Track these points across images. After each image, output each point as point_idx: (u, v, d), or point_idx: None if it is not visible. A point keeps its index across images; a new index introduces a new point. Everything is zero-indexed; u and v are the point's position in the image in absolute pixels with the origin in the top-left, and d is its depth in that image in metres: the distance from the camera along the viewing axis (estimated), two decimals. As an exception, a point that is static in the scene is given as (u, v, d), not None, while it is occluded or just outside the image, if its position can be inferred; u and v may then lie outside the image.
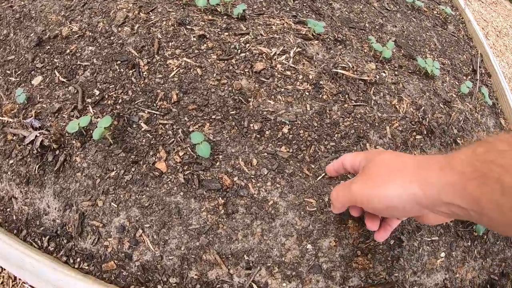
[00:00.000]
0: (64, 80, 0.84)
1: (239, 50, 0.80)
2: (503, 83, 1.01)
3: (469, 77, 1.00)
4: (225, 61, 0.78)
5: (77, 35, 0.90)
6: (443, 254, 0.71)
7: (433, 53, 1.01)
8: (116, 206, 0.67)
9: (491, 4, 1.66)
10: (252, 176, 0.66)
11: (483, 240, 0.77)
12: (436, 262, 0.71)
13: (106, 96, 0.79)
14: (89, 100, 0.79)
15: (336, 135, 0.73)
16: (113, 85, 0.80)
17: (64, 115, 0.79)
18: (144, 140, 0.72)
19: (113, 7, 0.92)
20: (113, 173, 0.70)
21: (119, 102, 0.77)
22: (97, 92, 0.80)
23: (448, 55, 1.03)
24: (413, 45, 0.98)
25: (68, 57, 0.88)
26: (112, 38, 0.87)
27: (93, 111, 0.78)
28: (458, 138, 0.84)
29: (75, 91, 0.82)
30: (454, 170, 0.36)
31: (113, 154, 0.71)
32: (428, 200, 0.39)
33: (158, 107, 0.75)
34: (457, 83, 0.96)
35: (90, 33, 0.90)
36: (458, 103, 0.89)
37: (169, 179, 0.67)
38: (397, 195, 0.41)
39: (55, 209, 0.71)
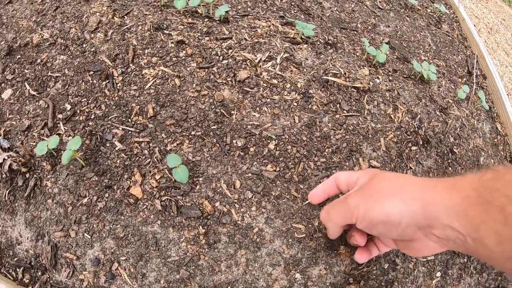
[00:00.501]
0: (35, 93, 0.73)
1: (221, 57, 0.68)
2: (498, 85, 0.90)
3: (464, 79, 0.89)
4: (206, 70, 0.67)
5: (48, 43, 0.77)
6: (438, 274, 0.63)
7: (428, 54, 0.88)
8: (89, 237, 0.58)
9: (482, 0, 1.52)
10: (235, 200, 0.56)
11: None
12: (432, 283, 0.62)
13: (78, 111, 0.68)
14: (60, 116, 0.68)
15: (327, 150, 0.63)
16: (85, 99, 0.69)
17: (34, 133, 0.69)
18: (118, 161, 0.62)
19: (86, 11, 0.79)
20: (85, 200, 0.60)
21: (91, 118, 0.67)
22: (69, 107, 0.69)
23: (442, 56, 0.91)
24: (407, 46, 0.86)
25: (39, 67, 0.76)
26: (84, 45, 0.74)
27: (64, 129, 0.67)
28: (455, 147, 0.74)
29: (46, 106, 0.71)
30: (458, 192, 0.34)
31: (85, 178, 0.61)
32: (426, 221, 0.36)
33: (133, 123, 0.65)
34: (453, 87, 0.85)
35: (62, 41, 0.77)
36: (454, 109, 0.78)
37: (145, 206, 0.57)
38: (397, 210, 0.38)
39: (27, 238, 0.62)
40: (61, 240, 0.60)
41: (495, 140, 0.87)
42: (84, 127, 0.66)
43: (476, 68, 0.92)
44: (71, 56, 0.74)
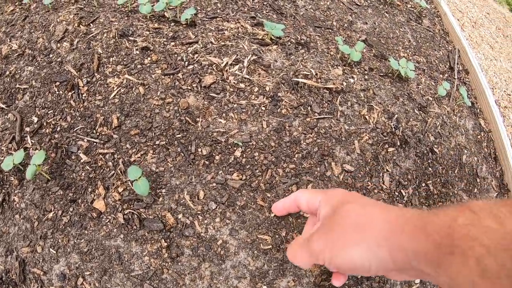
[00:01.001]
0: (4, 106, 0.71)
1: (187, 62, 0.65)
2: (481, 80, 0.85)
3: (446, 75, 0.84)
4: (171, 76, 0.64)
5: (17, 54, 0.76)
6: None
7: (407, 51, 0.84)
8: (55, 252, 0.56)
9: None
10: (198, 212, 0.54)
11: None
12: (412, 288, 0.60)
13: (45, 124, 0.66)
14: (27, 129, 0.67)
15: (296, 155, 0.60)
16: (51, 110, 0.67)
17: (2, 148, 0.67)
18: (83, 174, 0.60)
19: (54, 19, 0.77)
20: (50, 215, 0.58)
21: (57, 130, 0.65)
22: (36, 119, 0.67)
23: (423, 52, 0.86)
24: (385, 43, 0.82)
25: (8, 79, 0.74)
26: (51, 55, 0.72)
27: (31, 142, 0.65)
28: (435, 146, 0.70)
29: (14, 119, 0.69)
30: (429, 238, 0.30)
31: (50, 192, 0.60)
32: (396, 266, 0.33)
33: (98, 134, 0.62)
34: (433, 83, 0.80)
35: (30, 51, 0.75)
36: (434, 106, 0.74)
37: (108, 220, 0.55)
38: (364, 258, 0.34)
39: (-4, 254, 0.61)
40: (29, 255, 0.58)
41: (479, 137, 0.82)
42: (50, 140, 0.64)
43: (458, 63, 0.87)
44: (38, 67, 0.72)
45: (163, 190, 0.56)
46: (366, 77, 0.72)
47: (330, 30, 0.77)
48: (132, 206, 0.55)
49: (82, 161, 0.61)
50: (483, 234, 0.26)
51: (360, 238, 0.34)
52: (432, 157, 0.73)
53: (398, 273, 0.35)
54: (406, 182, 0.68)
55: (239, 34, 0.69)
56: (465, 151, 0.80)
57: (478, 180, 0.81)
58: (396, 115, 0.69)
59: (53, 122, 0.66)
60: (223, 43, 0.66)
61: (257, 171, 0.57)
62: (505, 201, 0.28)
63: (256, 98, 0.62)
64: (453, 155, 0.77)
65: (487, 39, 1.20)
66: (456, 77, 0.85)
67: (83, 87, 0.67)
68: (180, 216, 0.54)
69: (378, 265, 0.34)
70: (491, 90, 1.00)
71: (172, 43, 0.67)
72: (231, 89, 0.63)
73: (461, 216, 0.28)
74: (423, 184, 0.71)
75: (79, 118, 0.65)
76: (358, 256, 0.34)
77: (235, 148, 0.59)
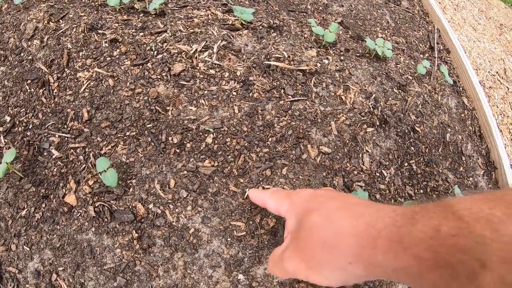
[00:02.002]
0: (-22, 107, 0.69)
1: (156, 52, 0.63)
2: (463, 59, 0.81)
3: (426, 54, 0.80)
4: (140, 67, 0.62)
5: (-10, 55, 0.74)
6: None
7: (386, 32, 0.80)
8: (29, 249, 0.54)
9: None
10: (169, 201, 0.51)
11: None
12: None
13: (17, 122, 0.64)
14: (0, 129, 0.65)
15: (270, 139, 0.57)
16: (24, 109, 0.65)
17: (-24, 148, 0.65)
18: (55, 170, 0.58)
19: (24, 18, 0.74)
20: (24, 212, 0.56)
21: (29, 127, 0.62)
22: (8, 119, 0.65)
23: (402, 33, 0.83)
24: (362, 25, 0.78)
25: (-18, 81, 0.72)
26: (22, 54, 0.70)
27: (4, 141, 0.63)
28: (417, 125, 0.67)
29: (-12, 119, 0.67)
30: (408, 252, 0.24)
31: (23, 190, 0.57)
32: (375, 277, 0.29)
33: (69, 128, 0.60)
34: (413, 63, 0.77)
35: (1, 51, 0.73)
36: (415, 85, 0.71)
37: (79, 213, 0.53)
38: (338, 277, 0.30)
39: (-29, 254, 0.59)
40: (4, 254, 0.56)
41: (462, 115, 0.79)
42: (23, 138, 0.62)
43: (438, 43, 0.84)
44: (10, 67, 0.70)
45: (134, 181, 0.53)
46: (341, 58, 0.69)
47: (304, 14, 0.74)
48: (102, 198, 0.53)
49: (54, 156, 0.59)
50: (475, 245, 0.21)
51: (329, 257, 0.30)
52: (414, 136, 0.70)
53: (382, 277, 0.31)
54: (387, 162, 0.65)
55: (209, 21, 0.66)
56: (449, 129, 0.76)
57: (463, 158, 0.78)
58: (374, 95, 0.66)
59: (25, 120, 0.64)
60: (192, 31, 0.64)
61: (229, 157, 0.55)
62: (496, 196, 0.22)
63: (226, 84, 0.59)
64: (436, 134, 0.74)
65: (470, 21, 1.16)
66: (436, 56, 0.81)
67: (53, 83, 0.65)
68: (151, 206, 0.51)
69: (356, 279, 0.30)
70: (475, 71, 0.97)
71: (141, 34, 0.65)
72: (201, 76, 0.60)
73: (444, 224, 0.23)
74: (406, 164, 0.68)
75: (51, 114, 0.62)
76: (331, 275, 0.31)
77: (206, 135, 0.56)
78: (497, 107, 1.01)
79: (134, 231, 0.50)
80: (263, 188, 0.53)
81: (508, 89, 1.05)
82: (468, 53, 1.00)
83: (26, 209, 0.56)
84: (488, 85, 1.05)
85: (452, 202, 0.23)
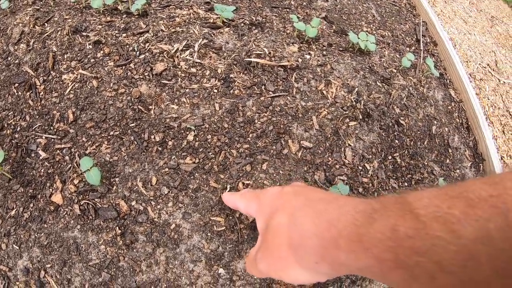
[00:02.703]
0: (-31, 111, 0.71)
1: (138, 52, 0.63)
2: (450, 51, 0.81)
3: (413, 48, 0.80)
4: (123, 67, 0.63)
5: (-20, 60, 0.75)
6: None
7: (371, 25, 0.80)
8: (18, 247, 0.55)
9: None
10: (151, 197, 0.52)
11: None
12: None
13: (6, 125, 0.65)
14: (-10, 132, 0.66)
15: (250, 135, 0.57)
16: (12, 112, 0.66)
17: (-32, 151, 0.67)
18: (42, 170, 0.59)
19: (11, 23, 0.76)
20: (13, 212, 0.58)
21: (17, 130, 0.64)
22: (-2, 122, 0.67)
23: (388, 26, 0.82)
24: (347, 19, 0.78)
25: (-27, 85, 0.74)
26: (9, 58, 0.71)
27: (-6, 143, 0.65)
28: (401, 118, 0.67)
29: (-21, 123, 0.69)
30: (368, 253, 0.24)
31: (12, 191, 0.59)
32: (343, 274, 0.31)
33: (55, 130, 0.61)
34: (398, 56, 0.76)
35: (-9, 56, 0.75)
36: (399, 78, 0.71)
37: (65, 212, 0.54)
38: (308, 276, 0.31)
39: (-36, 254, 0.61)
40: (-5, 253, 0.58)
41: (449, 107, 0.79)
42: (11, 140, 0.64)
43: (425, 36, 0.83)
44: (-2, 71, 0.72)
45: (117, 179, 0.54)
46: (324, 52, 0.69)
47: (288, 10, 0.75)
48: (87, 196, 0.54)
49: (41, 157, 0.60)
50: (432, 247, 0.20)
51: (295, 258, 0.30)
52: (399, 129, 0.70)
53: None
54: (370, 156, 0.65)
55: (191, 20, 0.67)
56: (435, 121, 0.76)
57: (450, 150, 0.78)
58: (356, 89, 0.66)
59: (13, 123, 0.65)
60: (173, 30, 0.65)
61: (210, 153, 0.55)
62: (456, 192, 0.21)
63: (208, 81, 0.60)
64: (421, 127, 0.74)
65: (460, 13, 1.15)
66: (422, 48, 0.81)
67: (40, 86, 0.66)
68: (133, 203, 0.52)
69: (326, 277, 0.31)
70: (466, 63, 0.96)
71: (124, 35, 0.66)
72: (183, 75, 0.61)
73: (401, 224, 0.22)
74: (390, 157, 0.68)
75: (37, 117, 0.64)
76: (301, 275, 0.31)
77: (187, 133, 0.57)
78: (488, 99, 1.01)
79: (117, 227, 0.51)
80: (243, 184, 0.54)
81: (499, 81, 1.04)
82: (458, 45, 0.99)
83: (15, 209, 0.58)
84: (479, 77, 1.04)
85: (410, 200, 0.23)
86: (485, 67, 1.04)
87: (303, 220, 0.30)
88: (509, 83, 1.04)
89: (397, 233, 0.22)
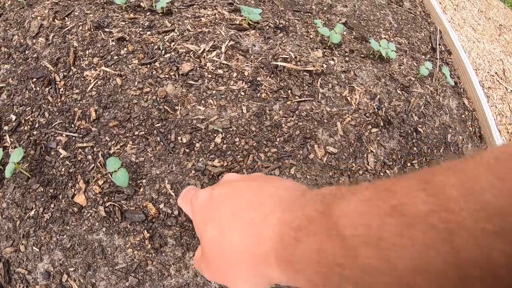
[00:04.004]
0: (-18, 106, 0.68)
1: (163, 51, 0.62)
2: (464, 60, 0.82)
3: (428, 55, 0.81)
4: (148, 66, 0.61)
5: (-7, 53, 0.72)
6: None
7: (389, 32, 0.81)
8: (38, 250, 0.54)
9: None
10: (180, 201, 0.52)
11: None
12: None
13: (23, 121, 0.63)
14: (6, 128, 0.63)
15: (278, 139, 0.57)
16: (29, 107, 0.64)
17: (-19, 147, 0.64)
18: (63, 169, 0.57)
19: (28, 15, 0.73)
20: (32, 212, 0.56)
21: (35, 126, 0.62)
22: (14, 117, 0.64)
23: (404, 34, 0.83)
24: (366, 25, 0.79)
25: (-15, 79, 0.71)
26: (27, 52, 0.69)
27: (10, 140, 0.62)
28: (419, 126, 0.67)
29: (-7, 118, 0.66)
30: (299, 275, 0.21)
31: (31, 190, 0.57)
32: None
33: (76, 128, 0.59)
34: (415, 64, 0.77)
35: (6, 49, 0.72)
36: (417, 86, 0.72)
37: (89, 213, 0.53)
38: (255, 286, 0.28)
39: (-21, 254, 0.58)
40: (12, 255, 0.56)
41: (463, 116, 0.80)
42: (29, 137, 0.61)
43: (440, 44, 0.85)
44: (14, 65, 0.69)
45: (144, 181, 0.53)
46: (346, 59, 0.69)
47: (309, 14, 0.74)
48: (113, 198, 0.53)
49: (61, 156, 0.58)
50: (363, 277, 0.17)
51: (234, 273, 0.28)
52: (417, 137, 0.71)
53: None
54: (391, 162, 0.66)
55: (216, 21, 0.66)
56: (450, 130, 0.78)
57: (464, 157, 0.79)
58: (378, 96, 0.66)
59: (31, 119, 0.63)
60: (200, 30, 0.63)
61: (238, 156, 0.55)
62: (386, 203, 0.17)
63: (235, 84, 0.59)
64: (437, 135, 0.75)
65: (469, 21, 1.17)
66: (438, 57, 0.82)
67: (60, 81, 0.64)
68: (161, 206, 0.51)
69: (270, 285, 0.28)
70: (475, 71, 0.98)
71: (148, 33, 0.64)
72: (209, 76, 0.60)
73: (328, 248, 0.19)
74: (409, 164, 0.69)
75: (57, 113, 0.62)
76: (242, 284, 0.28)
77: (215, 135, 0.56)
78: (496, 107, 1.03)
79: (145, 231, 0.50)
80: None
81: (507, 89, 1.06)
82: (468, 53, 1.01)
83: (34, 210, 0.56)
84: (487, 85, 1.06)
85: (336, 212, 0.19)
86: (493, 76, 1.06)
87: (232, 234, 0.27)
88: (514, 92, 1.07)
89: (325, 256, 0.19)
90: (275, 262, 0.22)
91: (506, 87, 1.03)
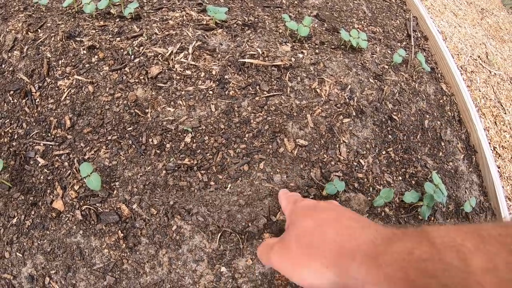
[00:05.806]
0: (-35, 121, 0.71)
1: (133, 56, 0.64)
2: (441, 46, 0.82)
3: (404, 43, 0.81)
4: (118, 71, 0.63)
5: (-26, 69, 0.75)
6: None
7: (362, 22, 0.81)
8: (21, 255, 0.56)
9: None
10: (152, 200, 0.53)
11: (430, 223, 0.65)
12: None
13: (2, 133, 0.65)
14: (-13, 140, 0.66)
15: (247, 135, 0.58)
16: (8, 120, 0.66)
17: (-34, 161, 0.67)
18: (41, 177, 0.59)
19: (3, 30, 0.75)
20: (14, 220, 0.58)
21: (14, 138, 0.64)
22: (-6, 130, 0.67)
23: (379, 23, 0.83)
24: (338, 16, 0.79)
25: (-33, 94, 0.73)
26: (3, 66, 0.71)
27: (-8, 152, 0.65)
28: (394, 113, 0.68)
29: (-25, 132, 0.68)
30: (380, 270, 0.26)
31: (12, 199, 0.59)
32: (349, 286, 0.31)
33: (53, 136, 0.62)
34: (389, 52, 0.77)
35: (-16, 64, 0.74)
36: (391, 74, 0.72)
37: (67, 218, 0.55)
38: (314, 279, 0.33)
39: (-32, 263, 0.61)
40: (-2, 261, 0.59)
41: (441, 101, 0.80)
42: (9, 148, 0.64)
43: (416, 31, 0.84)
44: (-7, 79, 0.71)
45: (117, 183, 0.55)
46: (316, 51, 0.70)
47: (280, 9, 0.75)
48: (88, 202, 0.55)
49: (40, 164, 0.60)
50: (442, 272, 0.22)
51: (309, 259, 0.33)
52: (392, 125, 0.71)
53: None
54: (364, 152, 0.67)
55: (184, 22, 0.67)
56: (427, 116, 0.78)
57: (442, 143, 0.79)
58: (349, 86, 0.67)
59: (10, 131, 0.65)
60: (167, 33, 0.65)
61: (208, 154, 0.56)
62: (470, 229, 0.24)
63: (203, 83, 0.61)
64: (414, 121, 0.75)
65: (450, 6, 1.16)
66: (413, 44, 0.82)
67: (35, 92, 0.66)
68: (134, 206, 0.53)
69: (331, 285, 0.32)
70: (457, 56, 0.98)
71: (118, 39, 0.66)
72: (178, 77, 0.61)
73: (417, 248, 0.25)
74: (384, 152, 0.69)
75: (34, 124, 0.64)
76: (307, 276, 0.33)
77: (185, 135, 0.58)
78: (480, 91, 1.03)
79: (119, 231, 0.52)
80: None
81: (490, 73, 1.06)
82: (449, 38, 1.01)
83: (16, 217, 0.58)
84: (470, 69, 1.06)
85: (429, 229, 0.25)
86: (476, 59, 1.06)
87: (328, 229, 0.33)
88: (499, 74, 1.06)
89: (412, 255, 0.24)
90: (360, 256, 0.28)
91: (489, 70, 1.02)
